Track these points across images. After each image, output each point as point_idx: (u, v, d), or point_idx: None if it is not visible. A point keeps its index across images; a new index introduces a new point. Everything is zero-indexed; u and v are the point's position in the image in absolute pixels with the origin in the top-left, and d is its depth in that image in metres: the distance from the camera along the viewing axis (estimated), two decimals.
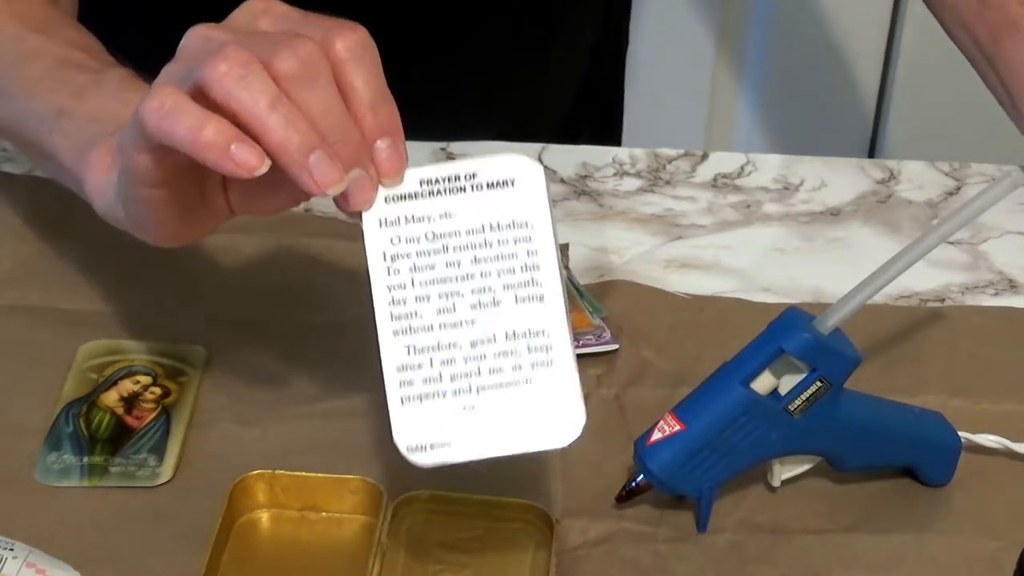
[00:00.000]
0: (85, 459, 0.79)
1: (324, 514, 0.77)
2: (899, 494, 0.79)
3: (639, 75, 1.42)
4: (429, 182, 0.66)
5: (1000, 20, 0.92)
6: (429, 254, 0.65)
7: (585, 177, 1.02)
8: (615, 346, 0.87)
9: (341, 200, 0.66)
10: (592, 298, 0.89)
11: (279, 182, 0.65)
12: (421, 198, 0.66)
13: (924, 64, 1.77)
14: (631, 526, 0.77)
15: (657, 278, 0.93)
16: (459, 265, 0.65)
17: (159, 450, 0.80)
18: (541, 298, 0.65)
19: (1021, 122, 0.90)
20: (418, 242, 0.65)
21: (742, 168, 1.04)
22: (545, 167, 0.67)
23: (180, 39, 0.67)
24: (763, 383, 0.74)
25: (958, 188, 1.02)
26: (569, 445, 0.65)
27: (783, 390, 0.74)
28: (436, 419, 0.64)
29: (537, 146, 1.03)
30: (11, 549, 0.71)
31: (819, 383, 0.74)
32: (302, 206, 0.93)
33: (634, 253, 0.96)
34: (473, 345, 0.65)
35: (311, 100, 0.64)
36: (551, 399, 0.64)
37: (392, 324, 0.65)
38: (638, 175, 1.02)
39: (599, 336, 0.87)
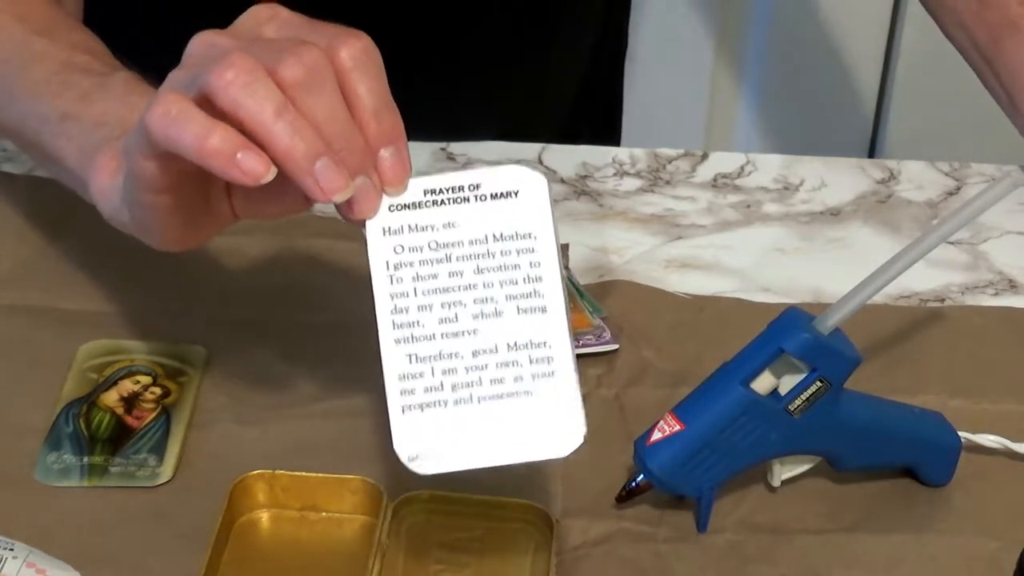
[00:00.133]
0: (85, 459, 0.79)
1: (324, 514, 0.77)
2: (899, 494, 0.79)
3: (639, 75, 1.42)
4: (433, 192, 0.66)
5: (999, 21, 0.92)
6: (432, 263, 0.65)
7: (585, 177, 1.02)
8: (615, 346, 0.87)
9: (345, 208, 0.65)
10: (592, 298, 0.89)
11: (284, 188, 0.65)
12: (425, 207, 0.66)
13: (924, 64, 1.77)
14: (631, 526, 0.77)
15: (657, 278, 0.93)
16: (462, 275, 0.65)
17: (159, 450, 0.80)
18: (543, 309, 0.65)
19: (1021, 122, 0.90)
20: (421, 251, 0.66)
21: (742, 168, 1.04)
22: (545, 167, 0.67)
23: (184, 41, 0.67)
24: (763, 383, 0.74)
25: (958, 188, 1.02)
26: (569, 455, 0.65)
27: (783, 390, 0.74)
28: (437, 428, 0.64)
29: (537, 146, 1.03)
30: (11, 549, 0.71)
31: (819, 383, 0.74)
32: None
33: (634, 253, 0.96)
34: (475, 355, 0.65)
35: (316, 107, 0.64)
36: (552, 409, 0.65)
37: (394, 332, 0.65)
38: (638, 175, 1.02)
39: (599, 336, 0.87)
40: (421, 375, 0.65)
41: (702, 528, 0.77)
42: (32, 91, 0.77)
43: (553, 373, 0.65)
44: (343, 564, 0.74)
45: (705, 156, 1.04)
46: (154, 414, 0.82)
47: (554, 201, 0.67)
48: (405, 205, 0.66)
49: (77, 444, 0.80)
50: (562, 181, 1.01)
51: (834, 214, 1.00)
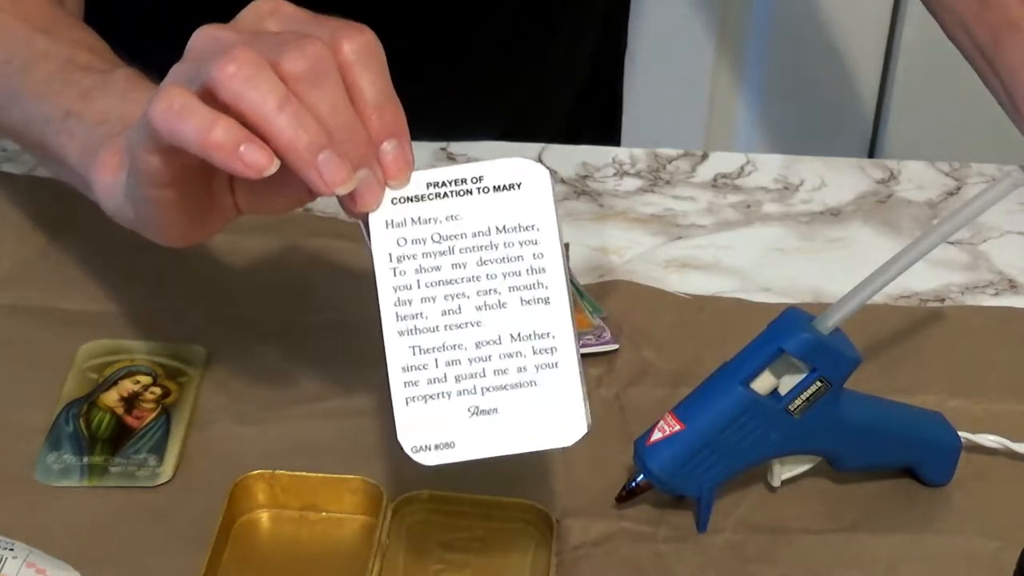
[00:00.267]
0: (85, 459, 0.79)
1: (324, 514, 0.77)
2: (899, 494, 0.79)
3: (639, 75, 1.42)
4: (436, 184, 0.66)
5: (1000, 21, 0.92)
6: (435, 256, 0.66)
7: (585, 177, 1.02)
8: (615, 346, 0.87)
9: (348, 201, 0.66)
10: (592, 298, 0.89)
11: (287, 182, 0.65)
12: (427, 200, 0.66)
13: (924, 64, 1.77)
14: (631, 526, 0.77)
15: (657, 278, 0.93)
16: (465, 267, 0.65)
17: (159, 450, 0.80)
18: (547, 300, 0.65)
19: (1021, 122, 0.90)
20: (424, 244, 0.66)
21: (742, 168, 1.04)
22: (545, 167, 0.67)
23: (185, 39, 0.67)
24: (763, 383, 0.74)
25: (958, 188, 1.02)
26: (573, 445, 0.65)
27: (783, 390, 0.74)
28: (441, 419, 0.65)
29: (537, 146, 1.03)
30: (11, 549, 0.71)
31: (819, 383, 0.74)
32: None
33: (634, 253, 0.96)
34: (478, 346, 0.65)
35: (319, 100, 0.64)
36: (556, 400, 0.65)
37: (397, 325, 0.65)
38: (638, 175, 1.02)
39: (599, 336, 0.87)
40: (425, 367, 0.65)
41: (702, 528, 0.77)
42: (35, 90, 0.77)
43: (557, 364, 0.65)
44: (343, 564, 0.74)
45: (705, 156, 1.04)
46: (154, 414, 0.82)
47: (555, 196, 0.67)
48: (408, 198, 0.66)
49: (77, 444, 0.80)
50: (562, 181, 1.01)
51: (834, 214, 1.00)
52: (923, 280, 0.93)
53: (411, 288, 0.65)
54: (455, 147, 1.02)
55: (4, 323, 0.87)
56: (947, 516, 0.78)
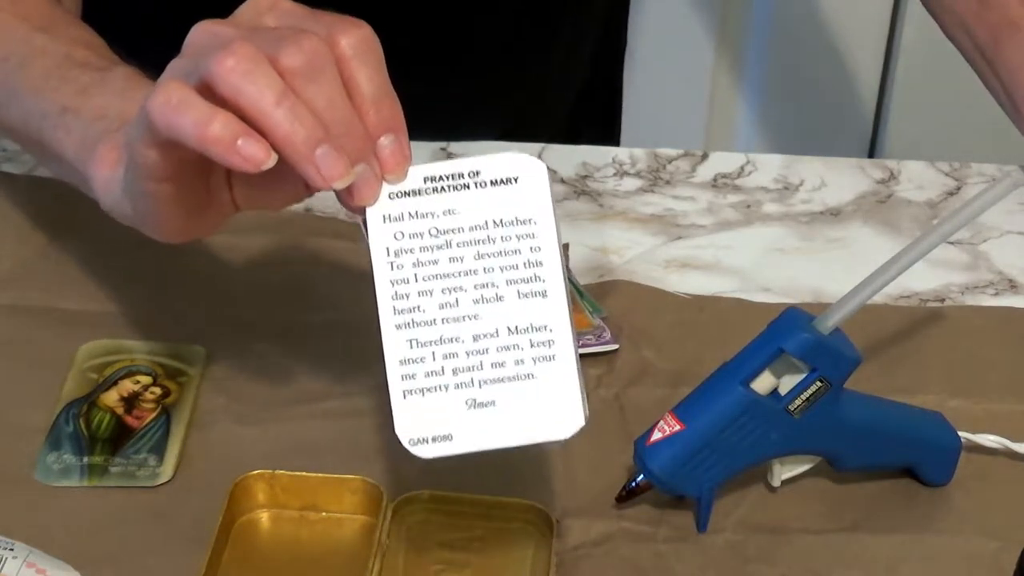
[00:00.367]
0: (85, 459, 0.79)
1: (324, 514, 0.77)
2: (899, 494, 0.79)
3: (639, 75, 1.42)
4: (433, 179, 0.66)
5: (1000, 21, 0.92)
6: (432, 249, 0.66)
7: (585, 177, 1.02)
8: (615, 346, 0.87)
9: (346, 195, 0.66)
10: (592, 298, 0.89)
11: (284, 177, 0.65)
12: (425, 195, 0.66)
13: (924, 64, 1.77)
14: (631, 526, 0.77)
15: (657, 278, 0.93)
16: (462, 260, 0.66)
17: (159, 450, 0.80)
18: (544, 293, 0.65)
19: (1021, 122, 0.90)
20: (421, 238, 0.66)
21: (742, 168, 1.04)
22: (542, 161, 0.67)
23: (183, 37, 0.67)
24: (763, 383, 0.74)
25: (958, 188, 1.02)
26: (571, 437, 0.65)
27: (783, 390, 0.74)
28: (438, 412, 0.65)
29: (537, 146, 1.03)
30: (11, 549, 0.71)
31: (819, 383, 0.74)
32: (302, 206, 0.94)
33: (634, 253, 0.96)
34: (475, 339, 0.65)
35: (316, 95, 0.64)
36: (553, 393, 0.65)
37: (395, 318, 0.65)
38: (638, 175, 1.02)
39: (599, 336, 0.87)
40: (422, 360, 0.65)
41: (702, 528, 0.77)
42: (32, 86, 0.77)
43: (554, 357, 0.65)
44: (343, 564, 0.74)
45: (705, 156, 1.04)
46: (154, 414, 0.82)
47: (554, 194, 0.67)
48: (405, 192, 0.66)
49: (77, 444, 0.80)
50: (562, 181, 1.01)
51: (834, 214, 1.00)
52: (923, 280, 0.93)
53: (408, 282, 0.66)
54: (455, 147, 1.02)
55: (4, 323, 0.87)
56: (947, 516, 0.78)
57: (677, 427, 0.74)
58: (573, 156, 1.03)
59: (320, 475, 0.76)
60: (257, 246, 0.93)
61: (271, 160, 0.63)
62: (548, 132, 1.11)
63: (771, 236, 0.98)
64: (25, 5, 0.82)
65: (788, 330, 0.74)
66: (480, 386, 0.65)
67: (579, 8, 1.18)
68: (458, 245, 0.66)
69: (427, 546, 0.75)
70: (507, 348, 0.65)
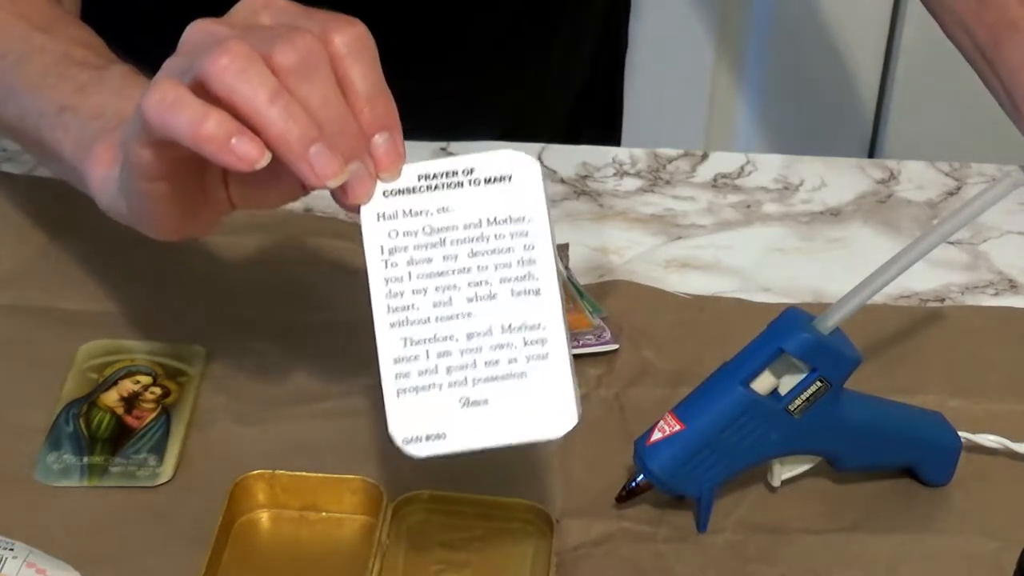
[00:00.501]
0: (85, 459, 0.79)
1: (324, 514, 0.77)
2: (899, 494, 0.79)
3: (639, 75, 1.42)
4: (427, 177, 0.66)
5: (999, 21, 0.92)
6: (426, 248, 0.66)
7: (585, 177, 1.02)
8: (615, 346, 0.87)
9: (340, 193, 0.66)
10: (592, 298, 0.89)
11: (279, 175, 0.65)
12: (419, 193, 0.66)
13: (924, 64, 1.77)
14: (631, 526, 0.77)
15: (657, 278, 0.93)
16: (456, 259, 0.66)
17: (159, 450, 0.80)
18: (537, 292, 0.65)
19: (1021, 122, 0.90)
20: (415, 236, 0.66)
21: (742, 168, 1.04)
22: (545, 167, 0.67)
23: (181, 36, 0.67)
24: (763, 383, 0.74)
25: (958, 188, 1.02)
26: (563, 436, 0.65)
27: (783, 390, 0.74)
28: (432, 411, 0.65)
29: (537, 146, 1.03)
30: (11, 549, 0.71)
31: (819, 383, 0.74)
32: (302, 205, 0.94)
33: (634, 253, 0.96)
34: (469, 337, 0.65)
35: (310, 93, 0.64)
36: (546, 391, 0.65)
37: (389, 316, 0.65)
38: (638, 175, 1.02)
39: (599, 336, 0.87)
40: (416, 358, 0.65)
41: (702, 528, 0.76)
42: (30, 84, 0.78)
43: (547, 355, 0.65)
44: (343, 564, 0.74)
45: (705, 156, 1.04)
46: (154, 414, 0.82)
47: (551, 197, 0.67)
48: (399, 190, 0.66)
49: (77, 444, 0.80)
50: (562, 181, 1.01)
51: (834, 214, 1.00)
52: (923, 280, 0.93)
53: (402, 280, 0.66)
54: (455, 147, 1.02)
55: (4, 323, 0.87)
56: (947, 516, 0.78)
57: (677, 427, 0.74)
58: (573, 156, 1.03)
59: (320, 475, 0.76)
60: (257, 246, 0.93)
61: (265, 159, 0.63)
62: (548, 132, 1.11)
63: (771, 236, 0.98)
64: (24, 3, 0.82)
65: (788, 330, 0.74)
66: (473, 385, 0.65)
67: (578, 6, 1.18)
68: (452, 243, 0.66)
69: (427, 546, 0.75)
70: (500, 347, 0.65)
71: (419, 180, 0.66)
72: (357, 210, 0.66)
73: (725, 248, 0.96)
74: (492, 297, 0.65)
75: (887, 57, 1.83)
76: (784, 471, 0.78)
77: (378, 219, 0.66)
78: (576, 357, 0.85)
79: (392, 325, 0.65)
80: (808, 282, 0.93)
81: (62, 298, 0.89)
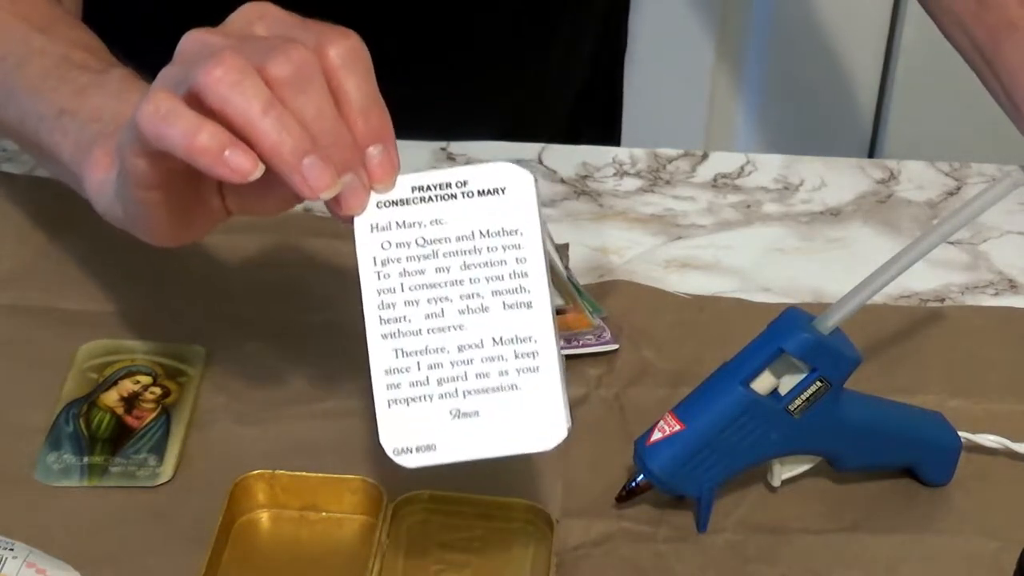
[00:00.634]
0: (85, 459, 0.79)
1: (324, 514, 0.77)
2: (899, 494, 0.79)
3: (639, 75, 1.42)
4: (420, 188, 0.67)
5: (999, 21, 0.92)
6: (419, 259, 0.66)
7: (585, 177, 1.02)
8: (615, 346, 0.87)
9: (333, 205, 0.66)
10: (592, 298, 0.89)
11: (274, 185, 0.65)
12: (412, 204, 0.66)
13: (924, 64, 1.77)
14: (631, 526, 0.77)
15: (657, 278, 0.93)
16: (448, 271, 0.66)
17: (159, 450, 0.80)
18: (529, 304, 0.65)
19: (1021, 122, 0.90)
20: (408, 247, 0.66)
21: (742, 168, 1.04)
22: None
23: (181, 40, 0.67)
24: (763, 383, 0.74)
25: (958, 188, 1.02)
26: (553, 449, 0.65)
27: (783, 390, 0.74)
28: (422, 422, 0.65)
29: (537, 146, 1.03)
30: (11, 549, 0.71)
31: (819, 383, 0.74)
32: (301, 206, 0.94)
33: (634, 253, 0.96)
34: (461, 350, 0.65)
35: (304, 105, 0.64)
36: (536, 404, 0.65)
37: (381, 328, 0.66)
38: (638, 175, 1.02)
39: (599, 336, 0.87)
40: (407, 369, 0.65)
41: (702, 528, 0.77)
42: (30, 87, 0.78)
43: (538, 368, 0.65)
44: (343, 564, 0.74)
45: (705, 156, 1.04)
46: (154, 414, 0.82)
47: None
48: (393, 202, 0.67)
49: (77, 444, 0.80)
50: (562, 181, 1.01)
51: (834, 214, 1.00)
52: (923, 280, 0.93)
53: (395, 291, 0.66)
54: (455, 147, 1.02)
55: (4, 323, 0.87)
56: (947, 516, 0.78)
57: (677, 427, 0.74)
58: (573, 156, 1.03)
59: (320, 475, 0.76)
60: (257, 246, 0.93)
61: (258, 171, 0.63)
62: (548, 132, 1.10)
63: (771, 236, 0.98)
64: (24, 5, 0.82)
65: (788, 330, 0.74)
66: (464, 396, 0.65)
67: (578, 6, 1.18)
68: (445, 255, 0.66)
69: (427, 546, 0.75)
70: (491, 359, 0.65)
71: (413, 191, 0.67)
72: (350, 221, 0.66)
73: (725, 248, 0.96)
74: (484, 309, 0.66)
75: (887, 57, 1.83)
76: (784, 471, 0.78)
77: (371, 230, 0.66)
78: (576, 357, 0.85)
79: (384, 336, 0.66)
80: (808, 282, 0.93)
81: (62, 298, 0.89)
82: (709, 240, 0.97)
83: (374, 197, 0.66)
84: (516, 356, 0.65)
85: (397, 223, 0.66)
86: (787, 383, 0.74)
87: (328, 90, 0.65)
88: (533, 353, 0.65)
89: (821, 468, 0.78)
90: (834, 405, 0.75)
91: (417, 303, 0.66)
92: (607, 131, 1.28)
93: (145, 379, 0.84)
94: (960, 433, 0.79)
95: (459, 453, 0.65)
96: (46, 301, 0.89)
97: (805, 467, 0.78)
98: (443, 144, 1.02)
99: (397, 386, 0.65)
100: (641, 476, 0.76)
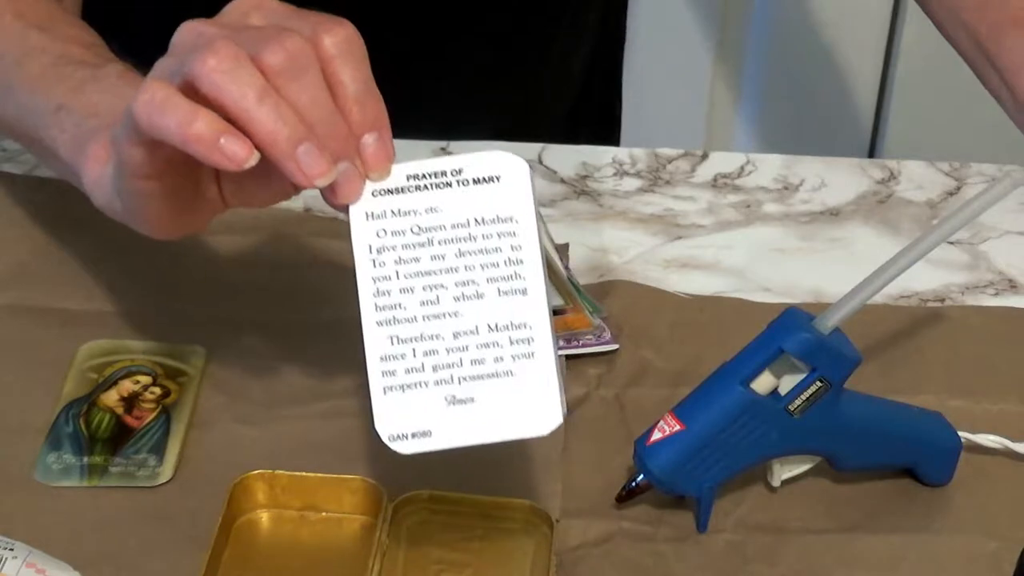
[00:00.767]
0: (85, 459, 0.79)
1: (324, 514, 0.77)
2: (899, 494, 0.79)
3: (639, 75, 1.42)
4: (416, 177, 0.67)
5: (1000, 19, 0.92)
6: (414, 247, 0.66)
7: (585, 177, 1.02)
8: (615, 346, 0.87)
9: (329, 193, 0.66)
10: (592, 298, 0.89)
11: (270, 174, 0.65)
12: (407, 192, 0.67)
13: (924, 64, 1.77)
14: (631, 526, 0.77)
15: (657, 278, 0.93)
16: (444, 258, 0.66)
17: (159, 450, 0.80)
18: (524, 291, 0.66)
19: (1021, 122, 0.90)
20: (404, 235, 0.66)
21: (742, 168, 1.04)
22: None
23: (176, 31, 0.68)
24: (763, 383, 0.74)
25: (958, 188, 1.02)
26: (548, 434, 0.65)
27: (783, 390, 0.74)
28: (418, 408, 0.65)
29: (537, 146, 1.03)
30: (11, 549, 0.71)
31: (819, 383, 0.74)
32: (302, 205, 0.94)
33: (634, 253, 0.96)
34: (456, 336, 0.65)
35: (299, 93, 0.64)
36: (532, 390, 0.65)
37: (376, 315, 0.66)
38: (638, 175, 1.02)
39: (599, 336, 0.87)
40: (403, 356, 0.65)
41: (702, 528, 0.76)
42: (28, 83, 0.78)
43: (533, 354, 0.65)
44: (343, 564, 0.74)
45: (705, 156, 1.04)
46: (154, 414, 0.82)
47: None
48: (388, 190, 0.67)
49: (77, 444, 0.80)
50: (562, 181, 1.01)
51: (834, 214, 1.00)
52: (923, 280, 0.93)
53: (390, 279, 0.66)
54: (454, 146, 1.02)
55: (4, 323, 0.87)
56: (947, 516, 0.78)
57: (677, 427, 0.74)
58: (573, 156, 1.03)
59: (320, 475, 0.76)
60: (257, 246, 0.93)
61: (253, 158, 0.64)
62: (548, 132, 1.10)
63: (771, 236, 0.98)
64: (23, 3, 0.82)
65: (788, 330, 0.74)
66: (459, 383, 0.65)
67: (577, 5, 1.18)
68: (440, 243, 0.66)
69: (427, 546, 0.75)
70: (487, 345, 0.65)
71: (408, 180, 0.67)
72: (345, 209, 0.67)
73: (725, 248, 0.96)
74: (479, 296, 0.66)
75: (887, 57, 1.83)
76: (784, 471, 0.78)
77: (367, 218, 0.67)
78: (576, 357, 0.85)
79: (379, 323, 0.66)
80: (808, 282, 0.93)
81: (62, 298, 0.89)
82: (709, 240, 0.97)
83: (369, 186, 0.67)
84: (511, 342, 0.65)
85: (392, 211, 0.67)
86: (787, 383, 0.74)
87: (323, 78, 0.65)
88: (528, 339, 0.65)
89: (821, 468, 0.78)
90: (834, 405, 0.75)
91: (412, 290, 0.66)
92: (607, 131, 1.28)
93: (145, 379, 0.84)
94: (960, 433, 0.79)
95: (455, 439, 0.65)
96: (46, 301, 0.89)
97: (805, 467, 0.78)
98: (442, 143, 1.02)
99: (392, 373, 0.65)
100: (641, 476, 0.76)
